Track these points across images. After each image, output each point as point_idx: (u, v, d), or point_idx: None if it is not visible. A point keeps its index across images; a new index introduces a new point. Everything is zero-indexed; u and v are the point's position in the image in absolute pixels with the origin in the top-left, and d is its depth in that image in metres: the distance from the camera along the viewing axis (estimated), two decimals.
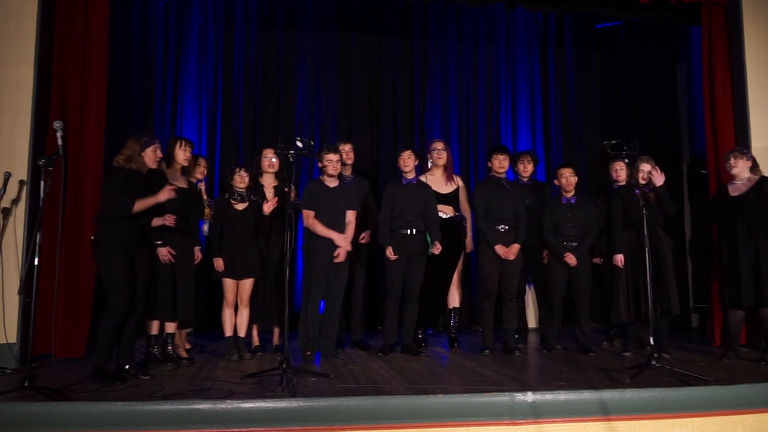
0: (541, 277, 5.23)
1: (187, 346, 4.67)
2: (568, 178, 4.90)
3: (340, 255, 4.45)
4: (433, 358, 4.67)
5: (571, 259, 4.77)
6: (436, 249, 4.70)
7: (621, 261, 4.64)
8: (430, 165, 5.22)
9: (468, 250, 5.36)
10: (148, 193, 3.84)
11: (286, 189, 4.85)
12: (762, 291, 4.35)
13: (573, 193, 4.92)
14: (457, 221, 5.14)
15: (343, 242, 4.46)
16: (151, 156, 3.91)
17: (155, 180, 3.98)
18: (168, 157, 4.35)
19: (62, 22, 4.69)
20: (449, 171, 5.23)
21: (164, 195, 3.84)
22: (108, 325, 3.73)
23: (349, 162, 5.10)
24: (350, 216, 4.61)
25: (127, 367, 3.85)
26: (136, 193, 3.79)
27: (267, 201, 4.63)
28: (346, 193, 4.65)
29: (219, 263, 4.52)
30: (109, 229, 3.77)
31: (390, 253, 4.64)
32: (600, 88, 7.36)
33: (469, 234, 5.30)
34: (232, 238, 4.57)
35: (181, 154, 4.34)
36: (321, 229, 4.47)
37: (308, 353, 4.44)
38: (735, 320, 4.57)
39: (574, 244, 4.82)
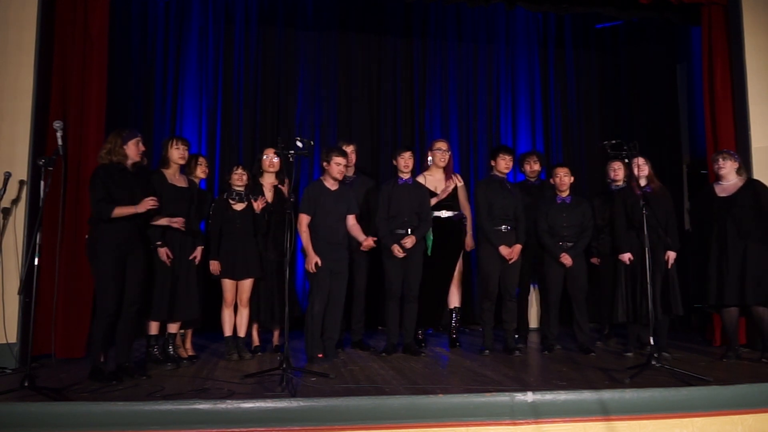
0: (542, 277, 5.24)
1: (191, 353, 4.62)
2: (561, 177, 4.91)
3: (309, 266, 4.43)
4: (433, 358, 4.66)
5: (566, 259, 4.77)
6: (408, 240, 4.63)
7: (629, 259, 4.63)
8: (429, 163, 5.22)
9: (468, 249, 5.36)
10: (133, 187, 3.84)
11: (281, 186, 4.86)
12: (747, 290, 4.38)
13: (568, 193, 4.92)
14: (456, 220, 5.14)
15: (309, 260, 4.40)
16: (133, 149, 3.89)
17: (141, 175, 3.98)
18: (164, 158, 4.35)
19: (62, 21, 4.69)
20: (449, 171, 5.22)
21: (143, 207, 3.81)
22: (99, 325, 3.76)
23: (351, 164, 5.11)
24: (352, 220, 4.61)
25: (126, 366, 3.85)
26: (121, 189, 3.78)
27: (259, 198, 4.62)
28: (346, 197, 4.63)
29: (215, 265, 4.52)
30: (102, 229, 3.77)
31: (398, 250, 4.62)
32: (600, 88, 7.36)
33: (469, 233, 5.30)
34: (231, 238, 4.57)
35: (176, 153, 4.33)
36: (305, 240, 4.45)
37: (320, 355, 4.43)
38: (731, 319, 4.57)
39: (570, 244, 4.82)
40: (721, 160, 4.64)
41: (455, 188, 5.19)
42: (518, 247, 4.76)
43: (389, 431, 3.08)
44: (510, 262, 4.74)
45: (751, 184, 4.60)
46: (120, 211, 3.74)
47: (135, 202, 3.81)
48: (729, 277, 4.43)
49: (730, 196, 4.56)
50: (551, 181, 5.05)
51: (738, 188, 4.57)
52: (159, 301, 4.17)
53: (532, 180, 5.41)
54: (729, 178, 4.62)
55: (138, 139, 3.93)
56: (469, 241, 5.30)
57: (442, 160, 5.15)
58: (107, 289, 3.73)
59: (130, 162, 3.90)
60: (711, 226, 4.60)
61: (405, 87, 6.98)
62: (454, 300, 5.32)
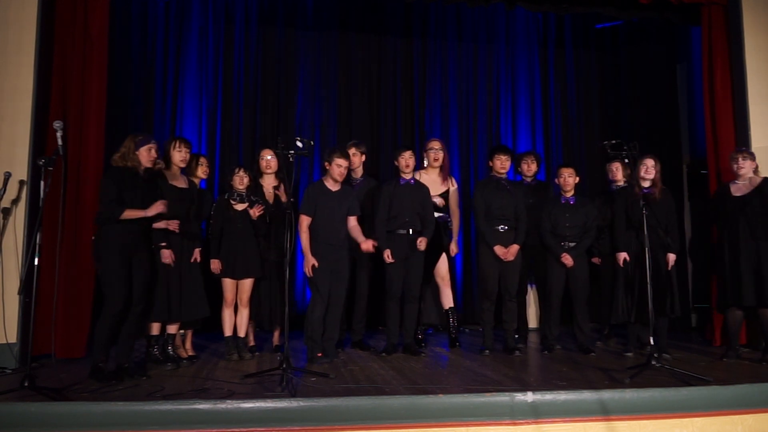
0: (542, 277, 5.23)
1: (191, 353, 4.60)
2: (566, 178, 4.91)
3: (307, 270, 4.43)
4: (433, 358, 4.67)
5: (567, 259, 4.77)
6: (420, 243, 4.65)
7: (623, 258, 4.63)
8: (425, 164, 5.21)
9: (452, 254, 5.32)
10: (144, 192, 3.87)
11: (279, 192, 4.85)
12: (762, 291, 4.36)
13: (572, 193, 4.92)
14: (441, 222, 5.12)
15: (307, 262, 4.40)
16: (145, 155, 3.91)
17: (153, 180, 4.00)
18: (165, 159, 4.35)
19: (62, 21, 4.69)
20: (445, 171, 5.21)
21: (153, 210, 3.85)
22: (104, 324, 3.77)
23: (354, 166, 5.08)
24: (353, 221, 4.60)
25: (126, 366, 3.86)
26: (132, 193, 3.81)
27: (255, 206, 4.62)
28: (347, 198, 4.62)
29: (215, 265, 4.52)
30: (109, 229, 3.78)
31: (388, 256, 4.63)
32: (600, 88, 7.36)
33: (455, 237, 5.26)
34: (232, 239, 4.57)
35: (177, 155, 4.35)
36: (304, 242, 4.45)
37: (319, 354, 4.43)
38: (735, 320, 4.58)
39: (572, 244, 4.82)
40: (741, 159, 4.61)
41: (447, 191, 5.18)
42: (515, 247, 4.74)
43: (389, 431, 3.08)
44: (506, 261, 4.73)
45: (763, 184, 4.55)
46: (129, 214, 3.77)
47: (144, 206, 3.84)
48: (745, 278, 4.42)
49: (745, 195, 4.55)
50: (556, 181, 5.04)
51: (753, 188, 4.55)
52: (162, 302, 4.17)
53: (529, 180, 5.37)
54: (746, 177, 4.60)
55: (151, 145, 3.94)
56: (453, 247, 5.26)
57: (436, 159, 5.15)
58: (115, 288, 3.74)
59: (142, 167, 3.91)
60: (723, 225, 4.59)
61: (405, 87, 6.98)
62: (448, 301, 5.31)
